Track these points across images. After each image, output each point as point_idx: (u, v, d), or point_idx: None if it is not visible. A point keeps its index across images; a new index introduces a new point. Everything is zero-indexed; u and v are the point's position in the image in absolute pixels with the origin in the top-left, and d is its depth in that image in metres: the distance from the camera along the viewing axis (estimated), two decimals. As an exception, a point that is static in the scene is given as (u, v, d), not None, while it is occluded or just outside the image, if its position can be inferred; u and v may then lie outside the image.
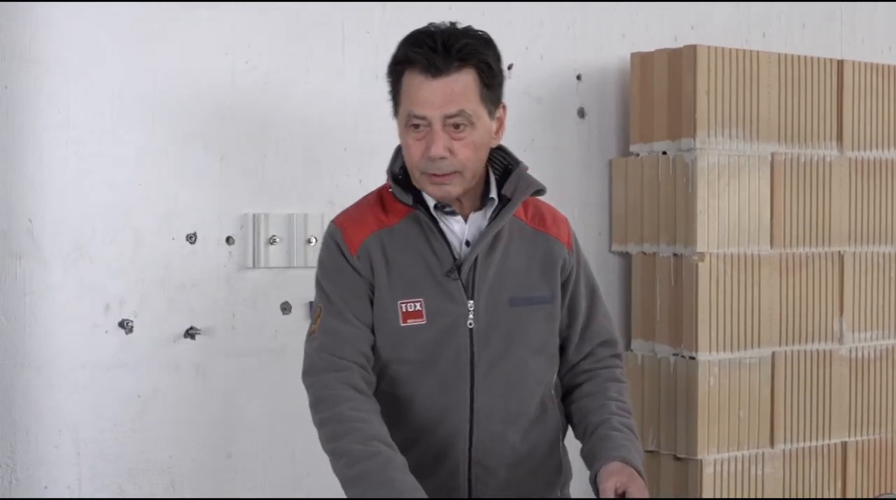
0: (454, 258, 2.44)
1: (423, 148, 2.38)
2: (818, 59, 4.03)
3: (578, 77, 3.99)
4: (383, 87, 3.56)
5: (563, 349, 2.62)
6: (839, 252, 4.06)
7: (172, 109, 3.28)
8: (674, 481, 3.87)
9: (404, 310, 2.43)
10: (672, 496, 3.87)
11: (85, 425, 3.19)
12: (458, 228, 2.48)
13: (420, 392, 2.48)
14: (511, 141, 3.80)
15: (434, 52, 2.36)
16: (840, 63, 4.08)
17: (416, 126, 2.39)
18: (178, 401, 3.31)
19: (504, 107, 2.49)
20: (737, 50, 3.87)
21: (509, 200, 2.48)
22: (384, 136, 3.59)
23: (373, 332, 2.45)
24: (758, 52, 3.92)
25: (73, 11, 3.14)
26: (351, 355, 2.42)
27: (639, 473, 2.47)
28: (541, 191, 2.53)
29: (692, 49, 3.79)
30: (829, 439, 4.04)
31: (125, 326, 3.23)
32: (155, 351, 3.27)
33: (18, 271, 3.10)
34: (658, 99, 3.89)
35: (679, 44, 4.00)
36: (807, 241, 3.99)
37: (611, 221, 4.05)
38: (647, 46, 4.03)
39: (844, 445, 4.08)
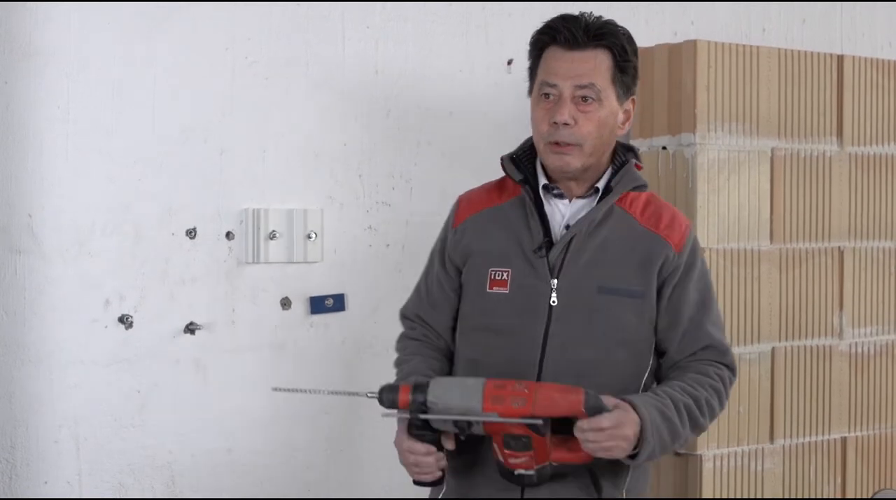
0: (547, 237, 2.53)
1: (550, 115, 2.50)
2: (818, 54, 4.03)
3: (578, 72, 3.98)
4: (383, 81, 3.59)
5: (665, 351, 2.60)
6: (839, 248, 4.06)
7: (172, 103, 3.28)
8: (673, 476, 3.86)
9: (492, 278, 2.55)
10: (672, 491, 3.87)
11: (85, 420, 3.19)
12: (562, 211, 2.58)
13: (493, 360, 2.53)
14: (511, 136, 3.82)
15: (577, 26, 2.53)
16: (840, 58, 4.08)
17: (547, 95, 2.52)
18: (177, 396, 3.31)
19: (634, 101, 2.59)
20: (737, 45, 3.86)
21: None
22: (384, 131, 3.60)
23: (458, 299, 2.64)
24: (758, 47, 3.91)
25: (73, 6, 3.14)
26: (416, 314, 2.70)
27: (642, 425, 2.38)
28: (641, 187, 2.58)
29: (692, 44, 3.79)
30: (829, 434, 4.04)
31: (125, 321, 3.23)
32: (155, 346, 3.27)
33: (18, 265, 3.10)
34: (658, 94, 3.89)
35: (679, 39, 4.00)
36: (807, 236, 3.99)
37: (611, 216, 4.05)
38: (647, 41, 4.02)
39: (844, 440, 4.08)
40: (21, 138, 3.10)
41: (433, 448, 2.44)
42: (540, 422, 2.35)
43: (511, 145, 3.85)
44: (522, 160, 2.62)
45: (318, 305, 3.49)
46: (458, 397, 2.38)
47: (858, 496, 4.10)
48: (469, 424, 2.39)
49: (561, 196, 2.58)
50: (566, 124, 2.48)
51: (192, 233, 3.31)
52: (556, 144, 2.50)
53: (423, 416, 2.39)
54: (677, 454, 3.83)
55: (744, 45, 3.88)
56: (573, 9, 3.90)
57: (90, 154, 3.18)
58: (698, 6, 4.20)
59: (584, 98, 2.50)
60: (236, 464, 3.40)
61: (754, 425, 3.87)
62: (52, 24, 3.13)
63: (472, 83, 3.75)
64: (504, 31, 3.82)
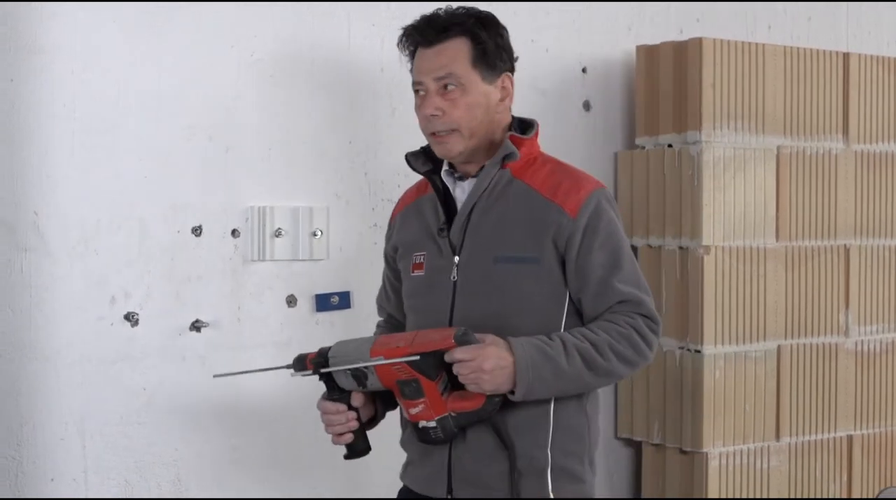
0: (447, 218, 2.68)
1: (422, 110, 2.66)
2: (824, 52, 4.03)
3: (584, 70, 3.99)
4: (388, 79, 3.59)
5: (582, 313, 2.64)
6: (845, 245, 4.05)
7: (178, 101, 3.28)
8: (679, 474, 3.87)
9: (414, 261, 2.73)
10: (677, 489, 3.87)
11: (91, 417, 3.19)
12: (466, 191, 2.69)
13: None
14: (516, 134, 3.82)
15: (427, 24, 2.66)
16: (846, 56, 4.08)
17: (418, 92, 2.67)
18: (183, 394, 3.31)
19: (508, 76, 2.68)
20: (742, 43, 3.86)
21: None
22: (389, 129, 3.60)
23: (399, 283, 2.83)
24: (763, 45, 3.91)
25: (79, 3, 3.14)
26: (379, 304, 2.96)
27: (515, 360, 2.48)
28: (510, 156, 2.64)
29: (698, 42, 3.79)
30: (835, 432, 4.04)
31: (131, 318, 3.23)
32: (161, 344, 3.27)
33: (24, 263, 3.10)
34: (664, 92, 3.89)
35: (685, 37, 4.00)
36: (812, 234, 3.99)
37: (616, 214, 4.05)
38: (653, 39, 4.03)
39: (850, 438, 4.08)
40: (26, 136, 3.10)
41: (343, 406, 2.61)
42: (417, 357, 2.47)
43: (516, 143, 3.87)
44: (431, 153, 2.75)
45: (324, 302, 3.49)
46: (352, 350, 2.56)
47: (864, 494, 4.09)
48: (364, 375, 2.54)
49: (462, 179, 2.70)
50: (434, 115, 2.62)
51: (197, 230, 3.31)
52: (434, 134, 2.65)
53: (322, 370, 2.58)
54: (683, 452, 3.83)
55: (749, 43, 3.88)
56: (576, 5, 3.93)
57: (95, 152, 3.18)
58: (704, 4, 4.20)
59: (446, 86, 2.62)
60: (242, 462, 3.40)
61: (760, 422, 3.87)
62: (58, 22, 3.13)
63: (478, 81, 3.74)
64: (509, 28, 3.81)
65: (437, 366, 2.49)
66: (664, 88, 3.89)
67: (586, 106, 4.00)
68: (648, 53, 3.95)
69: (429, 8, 3.63)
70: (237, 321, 3.38)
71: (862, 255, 4.09)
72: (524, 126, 2.73)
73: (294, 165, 3.46)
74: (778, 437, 3.92)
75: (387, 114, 3.59)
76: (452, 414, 2.55)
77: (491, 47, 2.65)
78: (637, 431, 3.99)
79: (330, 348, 2.60)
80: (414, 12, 3.58)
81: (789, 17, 4.38)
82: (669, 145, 3.87)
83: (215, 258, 3.34)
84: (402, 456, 2.75)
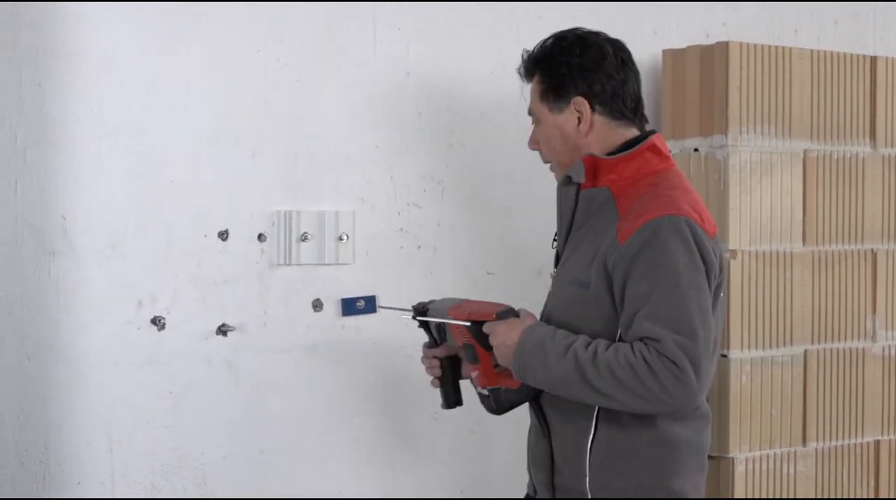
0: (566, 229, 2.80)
1: None
2: (851, 55, 4.01)
3: (610, 74, 3.97)
4: (414, 83, 3.59)
5: None
6: (872, 250, 4.04)
7: (205, 105, 3.29)
8: (706, 479, 3.85)
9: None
10: (703, 493, 3.86)
11: (117, 421, 3.20)
12: None
13: None
14: (542, 138, 3.81)
15: (522, 65, 2.84)
16: (873, 59, 4.06)
17: None
18: (210, 397, 3.32)
19: (580, 100, 2.72)
20: (769, 46, 3.85)
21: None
22: (415, 133, 3.60)
23: None
24: (790, 48, 3.90)
25: (106, 7, 3.15)
26: None
27: (518, 340, 2.60)
28: (575, 176, 2.71)
29: (724, 46, 3.78)
30: (862, 437, 4.02)
31: (157, 322, 3.24)
32: (187, 348, 3.28)
33: (52, 267, 3.12)
34: (690, 96, 3.88)
35: (711, 40, 3.98)
36: (839, 238, 3.97)
37: (642, 218, 4.04)
38: (679, 43, 4.02)
39: (877, 443, 4.06)
40: (54, 140, 3.11)
41: (429, 353, 2.92)
42: (468, 323, 2.70)
43: (542, 147, 3.86)
44: None
45: (350, 306, 3.49)
46: (442, 306, 2.83)
47: (892, 500, 4.08)
48: (444, 330, 2.82)
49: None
50: (534, 149, 2.85)
51: (224, 235, 3.32)
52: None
53: (418, 318, 2.89)
54: (710, 457, 3.81)
55: (776, 47, 3.86)
56: (601, 9, 3.92)
57: (123, 156, 3.19)
58: (730, 7, 4.19)
59: (534, 123, 2.82)
60: (268, 465, 3.40)
61: (787, 427, 3.85)
62: (85, 27, 3.14)
63: (503, 85, 3.74)
64: (534, 33, 3.78)
65: (487, 337, 2.68)
66: (690, 92, 3.88)
67: (612, 110, 3.99)
68: (675, 57, 3.94)
69: (456, 12, 3.66)
70: (263, 326, 3.38)
71: (889, 259, 4.07)
72: (636, 143, 2.71)
73: (320, 170, 3.46)
74: (805, 442, 3.90)
75: (413, 118, 3.59)
76: (503, 389, 2.72)
77: (555, 77, 2.73)
78: (663, 435, 3.97)
79: (434, 301, 2.90)
80: (440, 16, 3.61)
81: (816, 21, 4.37)
82: (696, 149, 3.86)
83: (241, 263, 3.35)
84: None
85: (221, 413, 3.34)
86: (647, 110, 4.01)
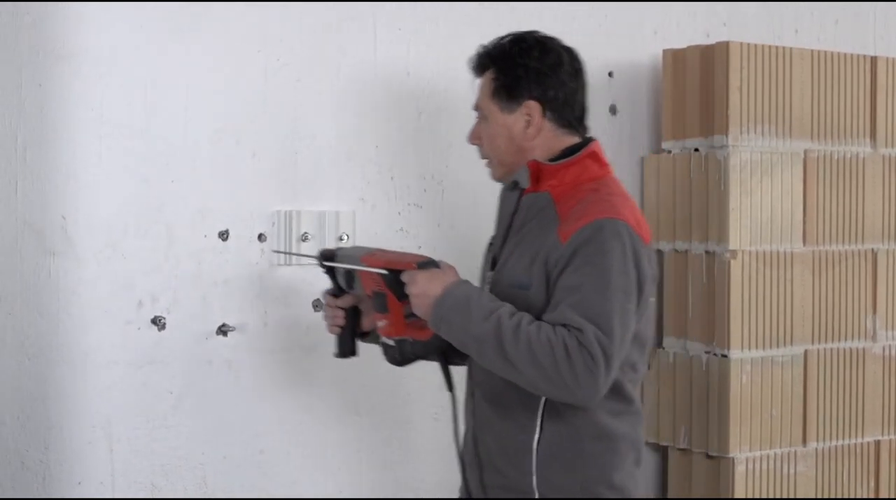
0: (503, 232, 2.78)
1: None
2: (851, 55, 4.01)
3: (610, 74, 3.98)
4: (414, 83, 3.59)
5: None
6: (872, 250, 4.04)
7: (205, 105, 3.29)
8: (705, 479, 3.86)
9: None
10: (704, 494, 3.86)
11: (118, 421, 3.20)
12: None
13: None
14: (543, 138, 3.81)
15: (474, 57, 2.80)
16: (873, 59, 4.06)
17: None
18: (210, 398, 3.32)
19: (532, 104, 2.69)
20: (769, 46, 3.85)
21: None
22: (415, 133, 3.60)
23: None
24: (790, 48, 3.90)
25: (106, 7, 3.15)
26: None
27: (441, 293, 2.58)
28: (519, 181, 2.73)
29: (724, 46, 3.78)
30: (862, 437, 4.02)
31: (158, 322, 3.24)
32: (187, 348, 3.28)
33: (52, 267, 3.12)
34: (690, 96, 3.88)
35: (711, 40, 3.99)
36: (840, 238, 3.97)
37: (642, 218, 4.04)
38: (679, 43, 4.02)
39: (878, 443, 4.06)
40: (54, 140, 3.11)
41: (332, 301, 2.88)
42: (385, 272, 2.65)
43: (543, 147, 3.85)
44: None
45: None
46: (353, 253, 2.80)
47: (892, 500, 4.08)
48: (353, 278, 2.78)
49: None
50: (474, 143, 2.81)
51: (224, 235, 3.32)
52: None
53: (325, 263, 2.85)
54: (709, 457, 3.82)
55: (776, 47, 3.87)
56: (602, 9, 3.93)
57: (123, 156, 3.19)
58: (731, 7, 4.19)
59: (479, 119, 2.79)
60: (268, 465, 3.41)
61: (787, 428, 3.86)
62: (85, 27, 3.14)
63: (504, 85, 3.75)
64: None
65: (403, 286, 2.63)
66: (691, 92, 3.88)
67: (613, 110, 3.99)
68: (675, 57, 3.95)
69: (456, 12, 3.66)
70: (263, 326, 3.38)
71: (890, 259, 4.07)
72: (576, 150, 2.71)
73: (320, 170, 3.46)
74: (805, 442, 3.90)
75: (413, 118, 3.59)
76: (410, 340, 2.69)
77: (510, 77, 2.70)
78: (663, 435, 3.98)
79: (343, 248, 2.88)
80: (440, 16, 3.61)
81: (816, 21, 4.37)
82: (696, 149, 3.86)
83: (242, 263, 3.35)
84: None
85: (221, 413, 3.34)
86: (648, 110, 4.06)
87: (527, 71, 2.70)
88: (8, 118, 3.06)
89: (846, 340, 3.99)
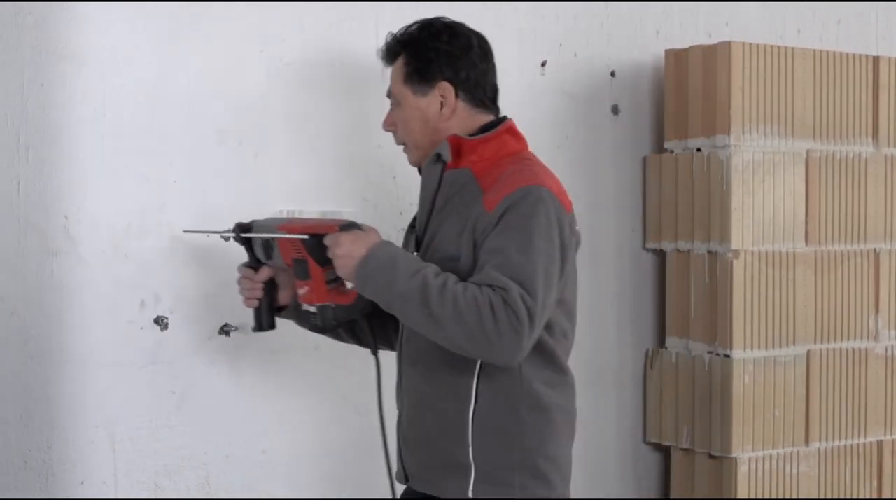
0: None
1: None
2: (854, 55, 4.01)
3: (612, 74, 3.98)
4: (418, 83, 3.58)
5: None
6: (875, 249, 4.04)
7: (207, 105, 3.29)
8: (708, 479, 3.85)
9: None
10: (706, 494, 3.86)
11: (121, 421, 3.20)
12: None
13: None
14: (545, 138, 3.83)
15: (384, 48, 2.85)
16: (876, 59, 4.06)
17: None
18: (213, 397, 3.32)
19: (445, 86, 2.74)
20: (772, 46, 3.85)
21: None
22: (418, 133, 3.59)
23: None
24: (793, 48, 3.90)
25: (108, 7, 3.15)
26: None
27: (366, 254, 2.59)
28: (441, 156, 2.74)
29: (727, 45, 3.78)
30: (865, 437, 4.02)
31: (160, 322, 3.24)
32: (190, 348, 3.28)
33: (54, 267, 3.12)
34: (692, 96, 3.88)
35: (713, 40, 3.99)
36: (842, 238, 3.97)
37: (645, 218, 4.04)
38: (682, 43, 4.02)
39: (880, 443, 4.06)
40: (56, 140, 3.11)
41: (250, 273, 2.88)
42: (306, 236, 2.67)
43: (545, 147, 3.85)
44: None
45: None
46: (270, 223, 2.81)
47: (894, 500, 4.08)
48: (271, 248, 2.77)
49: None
50: (389, 130, 2.85)
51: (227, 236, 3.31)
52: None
53: (242, 234, 2.84)
54: (712, 457, 3.82)
55: (779, 47, 3.87)
56: (604, 9, 3.93)
57: (125, 156, 3.19)
58: (733, 7, 4.19)
59: (393, 105, 2.82)
60: (271, 465, 3.41)
61: (789, 427, 3.86)
62: (87, 27, 3.14)
63: (506, 85, 3.70)
64: (537, 33, 3.82)
65: (324, 250, 2.64)
66: (693, 92, 3.88)
67: (615, 110, 4.00)
68: (677, 57, 3.95)
69: (459, 13, 3.65)
70: (266, 325, 3.38)
71: (892, 259, 4.07)
72: (492, 127, 2.76)
73: (323, 169, 3.46)
74: (807, 442, 3.90)
75: (415, 118, 3.59)
76: (332, 305, 2.71)
77: (422, 61, 2.76)
78: (666, 436, 3.98)
79: (258, 220, 2.86)
80: (445, 14, 3.60)
81: (819, 21, 4.37)
82: (698, 149, 3.86)
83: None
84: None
85: (224, 413, 3.34)
86: (651, 110, 4.06)
87: (437, 54, 2.75)
88: (10, 118, 3.06)
89: (849, 340, 3.99)
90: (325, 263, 2.68)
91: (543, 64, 3.82)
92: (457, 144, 2.72)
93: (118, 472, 3.20)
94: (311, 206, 3.43)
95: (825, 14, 4.38)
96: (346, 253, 2.62)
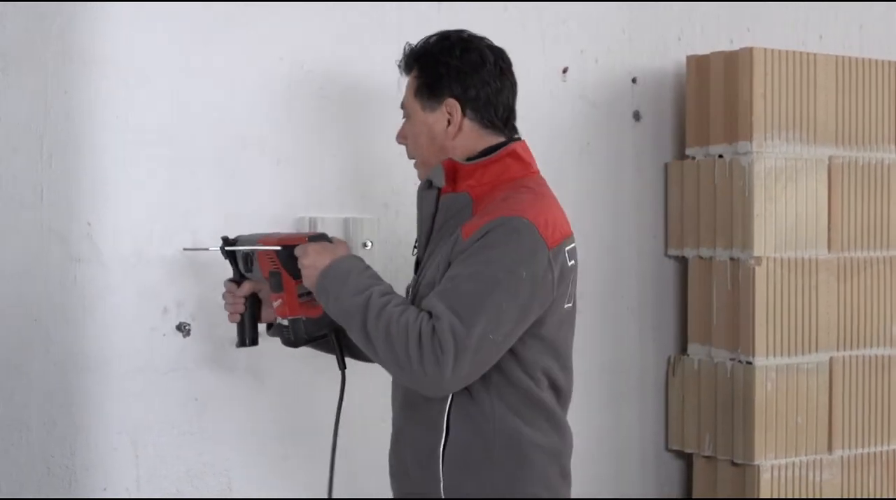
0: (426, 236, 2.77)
1: None
2: (876, 61, 4.00)
3: (634, 80, 3.98)
4: (439, 90, 3.58)
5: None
6: (898, 256, 4.02)
7: (229, 112, 3.29)
8: (731, 486, 3.84)
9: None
10: (729, 502, 3.85)
11: (143, 427, 3.20)
12: None
13: None
14: (567, 144, 3.83)
15: (402, 58, 2.82)
16: (899, 65, 4.05)
17: None
18: (235, 404, 3.32)
19: (451, 103, 2.70)
20: (794, 52, 3.84)
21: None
22: (440, 139, 3.59)
23: None
24: (815, 54, 3.89)
25: (132, 15, 3.16)
26: None
27: (327, 266, 2.62)
28: (435, 180, 2.70)
29: (748, 52, 3.77)
30: (888, 445, 4.00)
31: (183, 329, 3.24)
32: (212, 354, 3.28)
33: (77, 273, 3.12)
34: (714, 102, 3.87)
35: (735, 46, 3.98)
36: (865, 244, 3.96)
37: (666, 225, 4.04)
38: (703, 49, 4.01)
39: (903, 451, 4.05)
40: (80, 147, 3.12)
41: (233, 287, 2.93)
42: (278, 248, 2.73)
43: (567, 154, 3.86)
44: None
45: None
46: (252, 237, 2.86)
47: (918, 508, 4.06)
48: (251, 261, 2.83)
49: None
50: (401, 143, 2.83)
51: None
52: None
53: (226, 248, 2.89)
54: (735, 465, 3.81)
55: (801, 52, 3.86)
56: (625, 15, 3.92)
57: (148, 163, 3.20)
58: (755, 13, 4.18)
59: (405, 118, 2.80)
60: (292, 471, 3.41)
61: (812, 435, 3.84)
62: (111, 34, 3.15)
63: (528, 92, 3.70)
64: (559, 39, 3.82)
65: (296, 261, 2.69)
66: (715, 98, 3.87)
67: (636, 116, 3.99)
68: (699, 63, 3.94)
69: (481, 19, 3.66)
70: (288, 332, 3.38)
71: (915, 266, 4.06)
72: (494, 150, 2.69)
73: (345, 176, 3.47)
74: (830, 449, 3.89)
75: (437, 125, 3.59)
76: (303, 319, 2.75)
77: (432, 76, 2.71)
78: (688, 443, 3.97)
79: (243, 235, 2.92)
80: (465, 23, 3.59)
81: (841, 26, 4.36)
82: (720, 156, 3.86)
83: (266, 269, 3.35)
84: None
85: (246, 420, 3.34)
86: (672, 116, 4.05)
87: (448, 69, 2.70)
88: (34, 124, 3.07)
89: (872, 347, 3.97)
90: (298, 275, 2.71)
91: (565, 71, 3.82)
92: (452, 169, 2.67)
93: (140, 478, 3.21)
94: (333, 213, 3.43)
95: (847, 19, 4.37)
96: (311, 263, 2.64)
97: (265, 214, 3.35)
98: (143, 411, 3.20)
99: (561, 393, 2.69)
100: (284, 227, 3.36)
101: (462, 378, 2.49)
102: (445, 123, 2.70)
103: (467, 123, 2.70)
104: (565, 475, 2.70)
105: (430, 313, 2.48)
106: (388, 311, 2.50)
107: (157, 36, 3.20)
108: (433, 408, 2.62)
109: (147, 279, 3.20)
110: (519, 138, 2.75)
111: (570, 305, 2.67)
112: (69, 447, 3.13)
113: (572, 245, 2.65)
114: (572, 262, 2.63)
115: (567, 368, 2.70)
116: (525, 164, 2.70)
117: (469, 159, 2.68)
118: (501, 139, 2.71)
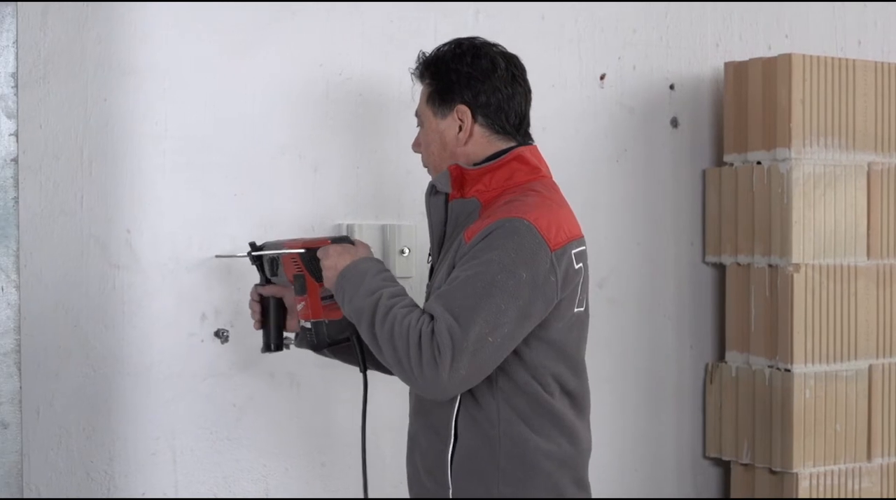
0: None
1: None
2: (916, 67, 3.98)
3: (671, 87, 3.97)
4: (476, 97, 3.59)
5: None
6: (938, 263, 3.99)
7: (268, 119, 3.31)
8: (769, 494, 3.82)
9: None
10: (767, 510, 3.83)
11: (181, 433, 3.22)
12: None
13: None
14: (604, 151, 3.83)
15: (416, 66, 2.80)
16: (938, 71, 4.02)
17: None
18: (272, 410, 3.34)
19: (462, 109, 2.70)
20: (832, 58, 3.83)
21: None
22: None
23: None
24: (853, 60, 3.87)
25: (170, 23, 3.18)
26: None
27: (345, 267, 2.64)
28: (440, 186, 2.73)
29: (787, 58, 3.76)
30: (928, 453, 3.98)
31: (221, 335, 3.26)
32: (250, 360, 3.30)
33: (117, 280, 3.15)
34: (752, 108, 3.86)
35: (773, 52, 3.97)
36: (904, 251, 3.93)
37: (704, 231, 4.02)
38: (741, 55, 4.00)
39: (944, 459, 4.01)
40: (120, 154, 3.14)
41: (256, 294, 2.97)
42: (302, 250, 2.76)
43: (604, 161, 3.86)
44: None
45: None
46: (278, 242, 2.89)
47: (959, 517, 4.03)
48: (276, 265, 2.86)
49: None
50: (417, 151, 2.83)
51: (287, 248, 3.34)
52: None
53: (253, 253, 2.92)
54: (773, 472, 3.79)
55: (839, 59, 3.84)
56: (663, 21, 3.92)
57: (187, 170, 3.22)
58: (793, 19, 4.17)
59: (419, 125, 2.80)
60: (330, 478, 3.42)
61: (851, 443, 3.82)
62: (150, 43, 3.18)
63: (565, 98, 3.75)
64: (596, 46, 3.82)
65: (318, 264, 2.72)
66: (753, 105, 3.86)
67: (674, 123, 3.98)
68: (737, 70, 3.93)
69: (517, 26, 3.66)
70: (325, 338, 3.39)
71: (955, 273, 4.03)
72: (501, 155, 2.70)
73: (382, 183, 3.47)
74: (870, 458, 3.87)
75: (474, 131, 3.59)
76: (325, 322, 2.77)
77: (443, 82, 2.71)
78: (726, 450, 3.95)
79: (269, 241, 2.95)
80: (501, 30, 3.61)
81: (880, 32, 4.33)
82: (758, 162, 3.84)
83: (304, 275, 3.36)
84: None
85: (284, 425, 3.36)
86: (710, 123, 4.04)
87: (458, 75, 2.69)
88: (74, 132, 3.09)
89: (911, 354, 3.95)
90: (321, 278, 2.74)
91: (602, 77, 3.82)
92: (458, 175, 2.68)
93: (178, 484, 3.23)
94: (370, 219, 3.44)
95: (886, 25, 4.35)
96: (331, 264, 2.67)
97: (302, 222, 3.36)
98: (182, 417, 3.22)
99: (575, 399, 2.67)
100: (321, 234, 3.37)
101: (461, 380, 2.48)
102: (457, 129, 2.71)
103: (478, 129, 2.70)
104: (580, 484, 2.67)
105: (431, 316, 2.50)
106: (394, 312, 2.51)
107: (195, 45, 3.22)
108: (442, 414, 2.63)
109: (185, 286, 3.22)
110: (530, 143, 2.76)
111: (581, 309, 2.66)
112: (108, 452, 3.15)
113: (581, 248, 2.64)
114: (580, 265, 2.62)
115: (580, 373, 2.68)
116: (533, 167, 2.70)
117: (476, 165, 2.69)
118: (512, 144, 2.72)
